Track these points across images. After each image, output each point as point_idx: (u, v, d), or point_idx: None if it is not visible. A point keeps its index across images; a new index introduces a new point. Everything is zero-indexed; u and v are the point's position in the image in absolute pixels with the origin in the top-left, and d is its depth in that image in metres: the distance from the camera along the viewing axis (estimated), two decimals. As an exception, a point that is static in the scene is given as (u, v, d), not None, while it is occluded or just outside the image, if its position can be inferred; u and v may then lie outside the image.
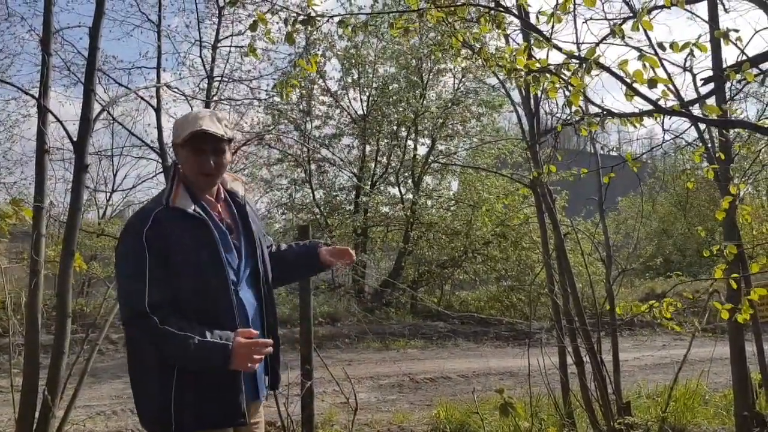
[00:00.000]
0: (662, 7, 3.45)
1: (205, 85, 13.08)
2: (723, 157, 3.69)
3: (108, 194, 17.63)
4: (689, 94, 3.96)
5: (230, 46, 13.34)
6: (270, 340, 2.24)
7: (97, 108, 4.16)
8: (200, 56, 13.09)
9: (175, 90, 11.55)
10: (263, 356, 2.21)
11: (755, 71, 2.93)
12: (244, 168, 15.18)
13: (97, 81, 4.69)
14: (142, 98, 11.73)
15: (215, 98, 13.24)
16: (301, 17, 2.23)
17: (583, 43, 3.84)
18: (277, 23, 2.66)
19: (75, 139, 3.86)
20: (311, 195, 15.74)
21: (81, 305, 12.72)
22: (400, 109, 14.71)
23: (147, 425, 2.29)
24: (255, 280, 2.42)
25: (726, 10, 4.07)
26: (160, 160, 12.64)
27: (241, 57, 13.27)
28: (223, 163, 2.32)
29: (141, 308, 2.09)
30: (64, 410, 3.75)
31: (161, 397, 2.18)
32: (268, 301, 2.45)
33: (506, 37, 4.07)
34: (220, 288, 2.23)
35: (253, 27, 2.28)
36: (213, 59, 13.18)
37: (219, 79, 13.29)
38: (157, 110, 12.22)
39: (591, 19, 3.75)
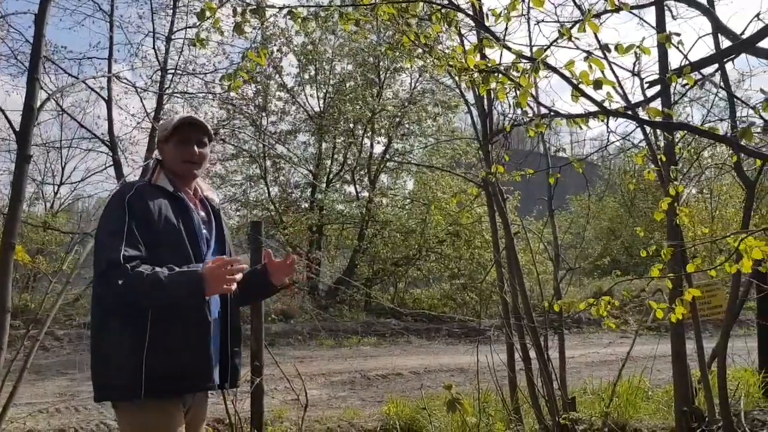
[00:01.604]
0: (611, 11, 3.54)
1: (159, 78, 12.84)
2: (665, 159, 3.80)
3: (56, 187, 17.17)
4: (639, 98, 4.06)
5: (184, 38, 13.13)
6: (240, 258, 2.29)
7: (43, 97, 4.06)
8: (153, 48, 12.84)
9: (126, 81, 11.30)
10: (238, 276, 2.19)
11: (697, 75, 3.02)
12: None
13: (45, 71, 4.57)
14: (91, 89, 11.48)
15: (169, 91, 13.02)
16: (251, 7, 2.21)
17: (535, 45, 3.90)
18: (230, 17, 2.63)
19: (18, 129, 3.76)
20: (266, 191, 15.62)
21: (25, 300, 12.37)
22: (357, 106, 14.70)
23: (111, 392, 2.28)
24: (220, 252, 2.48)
25: (674, 17, 4.17)
26: (110, 153, 12.42)
27: (196, 49, 13.07)
28: (204, 156, 2.49)
29: (115, 259, 2.11)
30: (2, 407, 3.64)
31: (130, 361, 2.18)
32: (231, 299, 2.47)
33: (461, 36, 4.12)
34: (196, 255, 2.31)
35: (200, 15, 2.25)
36: (167, 51, 12.97)
37: (173, 71, 13.07)
38: (108, 101, 11.94)
39: (543, 21, 3.82)
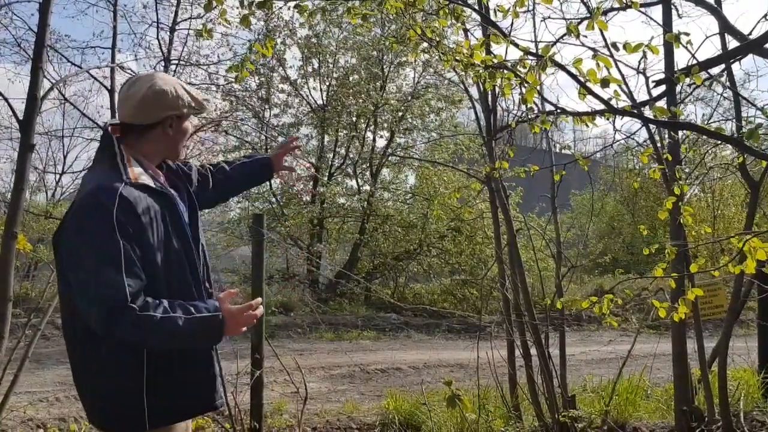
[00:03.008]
0: (618, 9, 3.52)
1: (162, 68, 12.83)
2: (670, 158, 3.78)
3: (58, 176, 17.18)
4: (642, 97, 4.04)
5: (188, 29, 13.11)
6: (259, 299, 2.10)
7: (46, 86, 4.05)
8: (157, 38, 12.83)
9: (129, 71, 11.28)
10: (256, 318, 2.06)
11: (704, 75, 3.01)
12: (200, 154, 14.98)
13: (48, 59, 4.57)
14: (94, 78, 11.46)
15: (172, 82, 12.99)
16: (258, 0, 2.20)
17: (540, 41, 3.90)
18: (236, 8, 2.62)
19: (21, 117, 3.76)
20: (268, 184, 15.61)
21: (26, 289, 12.39)
22: (360, 100, 14.67)
23: (111, 424, 2.05)
24: (195, 246, 2.26)
25: (680, 16, 4.15)
26: (112, 143, 12.41)
27: (199, 40, 13.05)
28: None
29: (121, 299, 1.82)
30: (3, 396, 3.64)
31: (130, 391, 1.98)
32: (206, 268, 2.30)
33: (465, 31, 4.10)
34: (191, 266, 2.12)
35: (207, 7, 2.24)
36: (170, 42, 12.93)
37: (176, 62, 13.05)
38: (111, 91, 11.92)
39: (549, 18, 3.81)
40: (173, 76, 12.87)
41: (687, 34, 2.58)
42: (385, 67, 14.94)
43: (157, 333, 1.88)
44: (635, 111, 2.46)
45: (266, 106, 15.42)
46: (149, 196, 2.03)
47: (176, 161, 2.30)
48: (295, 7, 2.34)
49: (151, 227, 1.98)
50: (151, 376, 1.99)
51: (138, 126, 2.11)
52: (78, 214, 1.94)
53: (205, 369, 2.15)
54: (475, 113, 5.47)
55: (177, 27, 13.05)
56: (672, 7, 4.06)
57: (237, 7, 2.41)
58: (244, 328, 2.05)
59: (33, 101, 3.73)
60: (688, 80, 2.73)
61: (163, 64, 12.78)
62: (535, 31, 4.15)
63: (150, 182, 2.06)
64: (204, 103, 2.21)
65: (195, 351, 2.12)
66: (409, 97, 15.04)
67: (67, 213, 2.01)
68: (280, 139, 15.59)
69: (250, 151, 15.75)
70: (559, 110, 2.59)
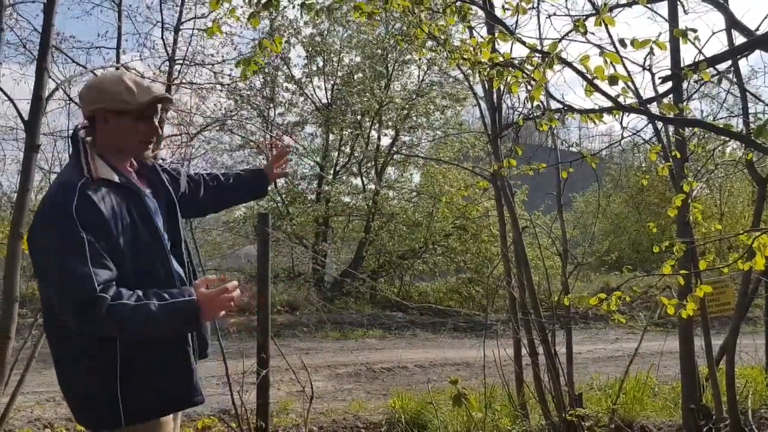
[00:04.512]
0: (624, 5, 3.51)
1: (167, 68, 12.83)
2: (678, 155, 3.76)
3: (63, 176, 17.20)
4: (648, 94, 4.02)
5: (193, 29, 13.11)
6: (235, 281, 2.05)
7: (51, 87, 4.05)
8: (162, 38, 12.84)
9: (134, 71, 11.30)
10: (234, 300, 2.01)
11: (712, 71, 2.99)
12: (205, 153, 14.99)
13: (53, 60, 4.57)
14: (99, 78, 11.45)
15: (177, 81, 13.00)
16: (264, -1, 2.19)
17: (546, 38, 3.87)
18: (240, 7, 2.61)
19: (26, 118, 3.75)
20: (272, 183, 15.61)
21: (32, 289, 12.41)
22: (365, 98, 14.65)
23: (89, 422, 2.08)
24: (176, 246, 2.28)
25: (686, 12, 4.13)
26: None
27: (204, 39, 13.05)
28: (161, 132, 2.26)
29: (90, 290, 1.82)
30: (10, 396, 3.65)
31: (103, 389, 1.98)
32: (191, 267, 2.33)
33: (471, 29, 4.09)
34: (160, 256, 2.11)
35: (214, 5, 2.23)
36: (175, 41, 12.92)
37: (181, 62, 13.05)
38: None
39: (554, 14, 3.79)
40: (178, 75, 12.87)
41: (694, 30, 2.56)
42: (389, 65, 14.92)
43: (132, 321, 1.87)
44: (643, 108, 2.45)
45: (271, 105, 15.42)
46: (112, 190, 2.03)
47: (145, 159, 2.28)
48: (301, 5, 2.33)
49: (114, 220, 1.97)
50: (125, 374, 1.98)
51: (90, 121, 2.14)
52: (41, 212, 1.99)
53: (181, 365, 2.12)
54: (480, 111, 5.46)
55: (181, 27, 13.05)
56: (678, 2, 4.03)
57: (242, 6, 2.41)
58: (222, 312, 2.02)
59: (38, 102, 3.73)
60: (695, 76, 2.71)
61: (168, 64, 12.79)
62: (539, 29, 4.13)
63: (113, 176, 2.06)
64: (143, 97, 2.09)
65: (169, 347, 2.09)
66: (414, 96, 15.01)
67: (36, 212, 2.05)
68: (285, 138, 15.60)
69: (255, 149, 15.76)
70: (566, 107, 2.58)
